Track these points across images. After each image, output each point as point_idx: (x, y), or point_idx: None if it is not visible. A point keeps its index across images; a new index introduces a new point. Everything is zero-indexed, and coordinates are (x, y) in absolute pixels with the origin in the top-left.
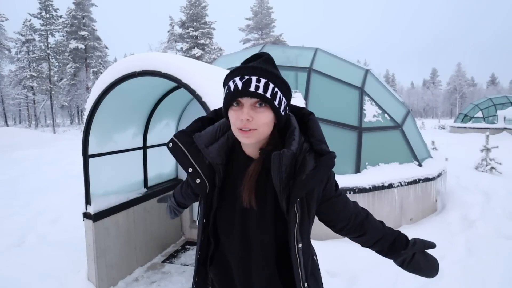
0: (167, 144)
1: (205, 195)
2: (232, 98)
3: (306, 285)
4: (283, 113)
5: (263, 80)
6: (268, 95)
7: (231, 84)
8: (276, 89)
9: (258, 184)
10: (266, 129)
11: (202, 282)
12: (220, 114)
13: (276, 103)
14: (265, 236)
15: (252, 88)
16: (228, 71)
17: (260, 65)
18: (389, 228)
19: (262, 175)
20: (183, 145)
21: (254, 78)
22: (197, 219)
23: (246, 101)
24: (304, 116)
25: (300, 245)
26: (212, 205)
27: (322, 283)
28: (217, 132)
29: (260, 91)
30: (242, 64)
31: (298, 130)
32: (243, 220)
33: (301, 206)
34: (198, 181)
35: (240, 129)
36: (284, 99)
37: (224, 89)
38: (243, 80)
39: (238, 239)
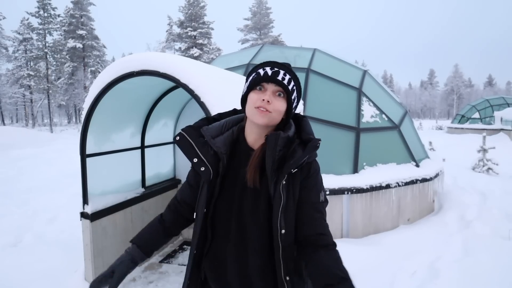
0: (174, 137)
1: (209, 182)
2: (260, 81)
3: (287, 278)
4: (292, 110)
5: (288, 76)
6: (290, 88)
7: (261, 71)
8: (295, 87)
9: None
10: (278, 116)
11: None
12: (225, 117)
13: (292, 97)
14: (258, 219)
15: (280, 78)
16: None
17: (288, 65)
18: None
19: (262, 163)
20: (190, 137)
21: (282, 72)
22: (195, 212)
23: (270, 87)
24: (298, 119)
25: (283, 231)
26: (214, 193)
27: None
28: (223, 127)
29: (285, 82)
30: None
31: (294, 127)
32: (240, 206)
33: (287, 190)
34: (203, 169)
35: (257, 108)
36: (296, 98)
37: (250, 76)
38: (273, 70)
39: (235, 226)
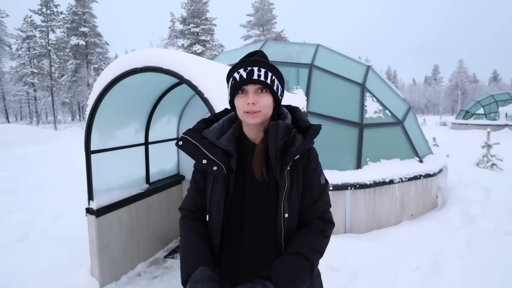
0: (176, 142)
1: (224, 179)
2: (238, 86)
3: None
4: (280, 98)
5: (263, 70)
6: (268, 81)
7: (236, 75)
8: (273, 77)
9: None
10: (268, 110)
11: None
12: (219, 117)
13: (274, 88)
14: (269, 208)
15: (255, 77)
16: (229, 67)
17: (259, 58)
18: (297, 257)
19: (266, 155)
20: (194, 139)
21: (255, 69)
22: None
23: (250, 88)
24: (291, 110)
25: (286, 215)
26: (229, 190)
27: (319, 280)
28: (223, 127)
29: (262, 78)
30: (242, 59)
31: (289, 115)
32: (251, 199)
33: (291, 176)
34: (215, 168)
35: (247, 112)
36: (279, 85)
37: (229, 82)
38: (247, 70)
39: (248, 218)
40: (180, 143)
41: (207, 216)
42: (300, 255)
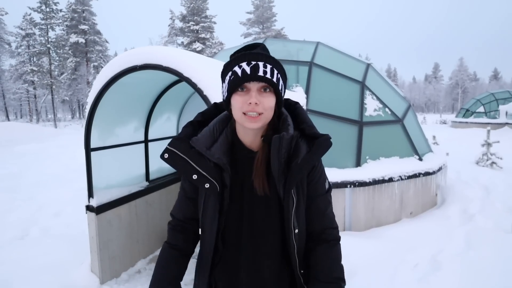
0: (161, 155)
1: (216, 196)
2: (240, 82)
3: (302, 271)
4: (282, 100)
5: (269, 66)
6: (274, 80)
7: (237, 69)
8: (279, 75)
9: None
10: (270, 113)
11: None
12: (208, 116)
13: (279, 88)
14: (272, 223)
15: (261, 73)
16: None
17: (263, 52)
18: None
19: (267, 167)
20: (182, 152)
21: (261, 64)
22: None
23: (253, 86)
24: (290, 106)
25: (296, 231)
26: (223, 206)
27: None
28: (214, 132)
29: (268, 76)
30: (241, 51)
31: (290, 117)
32: (251, 214)
33: (297, 190)
34: (207, 185)
35: (245, 114)
36: (283, 85)
37: (226, 75)
38: (251, 65)
39: (247, 233)
40: (166, 156)
41: (199, 229)
42: (343, 281)
